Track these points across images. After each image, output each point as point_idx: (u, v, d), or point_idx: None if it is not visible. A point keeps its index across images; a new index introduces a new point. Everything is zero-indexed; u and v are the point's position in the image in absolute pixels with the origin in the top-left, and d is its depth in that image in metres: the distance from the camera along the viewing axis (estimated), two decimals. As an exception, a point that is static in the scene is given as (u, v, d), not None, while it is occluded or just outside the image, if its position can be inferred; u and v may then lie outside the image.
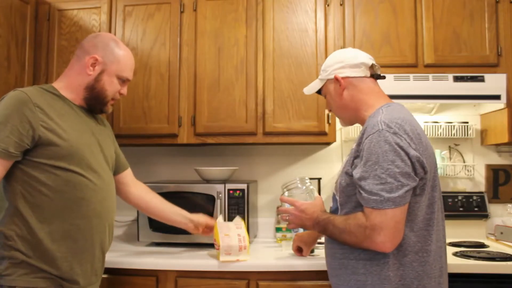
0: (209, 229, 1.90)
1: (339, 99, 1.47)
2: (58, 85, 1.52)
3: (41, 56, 2.33)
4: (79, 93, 1.52)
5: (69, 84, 1.52)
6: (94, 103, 1.54)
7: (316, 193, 1.67)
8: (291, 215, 1.52)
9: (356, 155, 1.33)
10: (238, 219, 1.94)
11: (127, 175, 1.80)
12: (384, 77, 1.50)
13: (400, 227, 1.24)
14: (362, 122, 1.47)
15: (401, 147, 1.23)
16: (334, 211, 1.44)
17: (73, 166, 1.41)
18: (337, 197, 1.41)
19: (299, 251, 1.90)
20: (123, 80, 1.57)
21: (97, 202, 1.46)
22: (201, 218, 1.89)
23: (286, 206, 1.58)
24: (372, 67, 1.46)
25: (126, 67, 1.56)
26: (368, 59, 1.46)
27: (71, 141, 1.41)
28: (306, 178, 1.72)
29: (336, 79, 1.46)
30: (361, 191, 1.26)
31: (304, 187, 1.66)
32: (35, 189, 1.37)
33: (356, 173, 1.28)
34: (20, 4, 2.21)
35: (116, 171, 1.75)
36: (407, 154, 1.23)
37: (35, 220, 1.36)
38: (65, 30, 2.35)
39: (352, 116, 1.49)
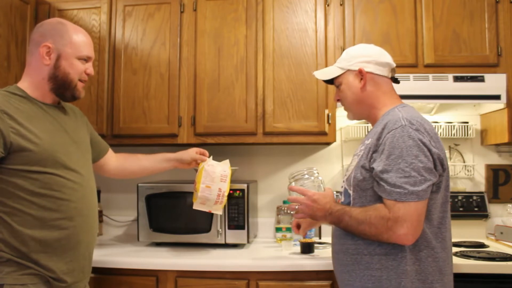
0: (201, 159, 1.87)
1: (358, 92, 1.47)
2: (23, 85, 1.47)
3: (41, 56, 2.32)
4: (45, 87, 1.47)
5: (32, 82, 1.47)
6: (62, 91, 1.49)
7: (324, 184, 1.64)
8: (302, 205, 1.49)
9: (375, 149, 1.33)
10: (226, 166, 1.85)
11: (109, 156, 1.82)
12: (398, 82, 1.54)
13: (421, 221, 1.26)
14: (372, 119, 1.49)
15: (423, 143, 1.26)
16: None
17: (48, 168, 1.39)
18: (350, 191, 1.41)
19: (297, 227, 1.86)
20: (85, 60, 1.51)
21: (78, 201, 1.45)
22: (184, 155, 1.87)
23: (294, 195, 1.56)
24: (393, 69, 1.50)
25: (82, 46, 1.49)
26: (392, 61, 1.50)
27: (44, 145, 1.39)
28: (314, 168, 1.67)
29: (360, 72, 1.46)
30: (383, 184, 1.27)
31: (312, 178, 1.62)
32: (14, 194, 1.36)
33: (378, 166, 1.29)
34: (20, 4, 2.21)
35: (98, 156, 1.75)
36: (429, 150, 1.27)
37: (16, 224, 1.35)
38: (65, 30, 2.35)
39: (364, 112, 1.50)
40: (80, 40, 1.49)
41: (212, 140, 2.24)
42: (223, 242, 2.09)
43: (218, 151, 2.56)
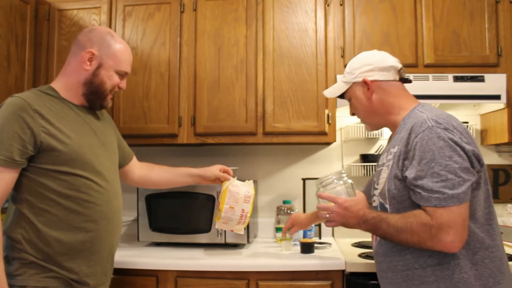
0: (224, 177, 1.84)
1: (367, 103, 1.44)
2: (57, 85, 1.50)
3: (41, 56, 2.32)
4: (78, 90, 1.49)
5: (67, 83, 1.49)
6: (93, 98, 1.51)
7: (354, 188, 1.52)
8: (333, 213, 1.39)
9: (405, 157, 1.27)
10: (250, 187, 1.83)
11: (133, 164, 1.82)
12: (410, 81, 1.49)
13: (466, 225, 1.18)
14: (392, 126, 1.44)
15: (455, 142, 1.19)
16: None
17: (77, 170, 1.40)
18: (387, 206, 1.33)
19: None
20: (121, 75, 1.55)
21: (103, 204, 1.46)
22: (208, 172, 1.82)
23: (321, 202, 1.47)
24: (400, 70, 1.45)
25: (124, 61, 1.53)
26: (397, 63, 1.44)
27: (73, 145, 1.40)
28: (343, 171, 1.54)
29: (364, 83, 1.42)
30: (420, 191, 1.20)
31: (341, 182, 1.48)
32: (41, 194, 1.37)
33: (410, 173, 1.22)
34: (20, 4, 2.21)
35: (122, 162, 1.75)
36: (462, 148, 1.19)
37: (41, 224, 1.36)
38: (65, 30, 2.35)
39: (381, 121, 1.46)
40: (123, 56, 1.53)
41: (212, 140, 2.24)
42: (223, 242, 2.09)
43: (218, 151, 2.56)
